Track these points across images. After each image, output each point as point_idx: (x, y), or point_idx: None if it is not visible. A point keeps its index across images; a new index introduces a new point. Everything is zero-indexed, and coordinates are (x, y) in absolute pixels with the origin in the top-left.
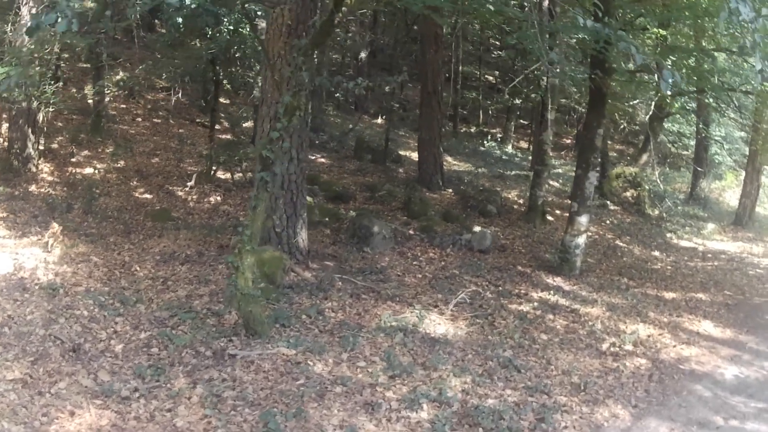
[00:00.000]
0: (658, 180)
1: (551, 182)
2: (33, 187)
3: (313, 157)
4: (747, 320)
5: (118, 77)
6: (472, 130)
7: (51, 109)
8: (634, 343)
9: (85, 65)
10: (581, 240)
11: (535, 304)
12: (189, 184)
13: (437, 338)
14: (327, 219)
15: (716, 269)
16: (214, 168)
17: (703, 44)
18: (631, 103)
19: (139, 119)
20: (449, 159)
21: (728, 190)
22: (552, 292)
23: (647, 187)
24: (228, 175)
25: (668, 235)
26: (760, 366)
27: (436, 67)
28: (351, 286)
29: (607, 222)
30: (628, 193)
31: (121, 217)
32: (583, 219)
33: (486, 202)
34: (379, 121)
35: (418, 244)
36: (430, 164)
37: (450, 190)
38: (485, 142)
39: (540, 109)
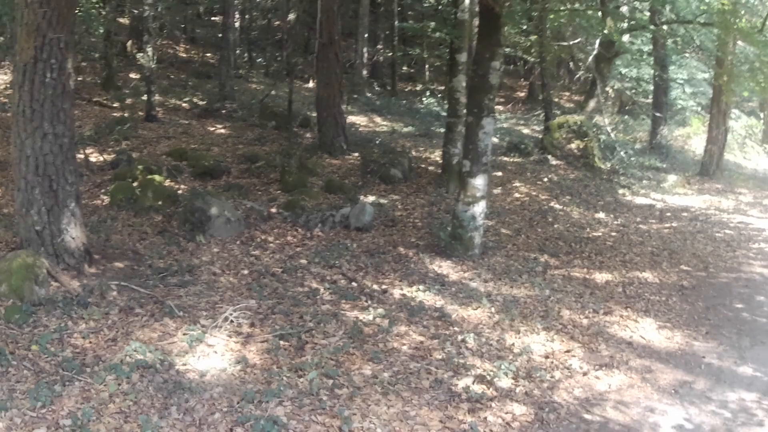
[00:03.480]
0: (608, 128)
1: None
2: None
3: (212, 129)
4: (707, 314)
5: None
6: (418, 89)
7: None
8: (515, 374)
9: None
10: (479, 209)
11: (390, 307)
12: None
13: (189, 381)
14: (160, 203)
15: (674, 233)
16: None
17: None
18: (572, 42)
19: None
20: (377, 119)
21: (694, 137)
22: (426, 284)
23: (599, 137)
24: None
25: (620, 191)
26: (722, 403)
27: (332, 15)
28: (129, 295)
29: (545, 180)
30: (573, 145)
31: None
32: (479, 181)
33: (390, 166)
34: (311, 85)
35: (278, 225)
36: (331, 126)
37: (356, 154)
38: (423, 99)
39: (450, 51)
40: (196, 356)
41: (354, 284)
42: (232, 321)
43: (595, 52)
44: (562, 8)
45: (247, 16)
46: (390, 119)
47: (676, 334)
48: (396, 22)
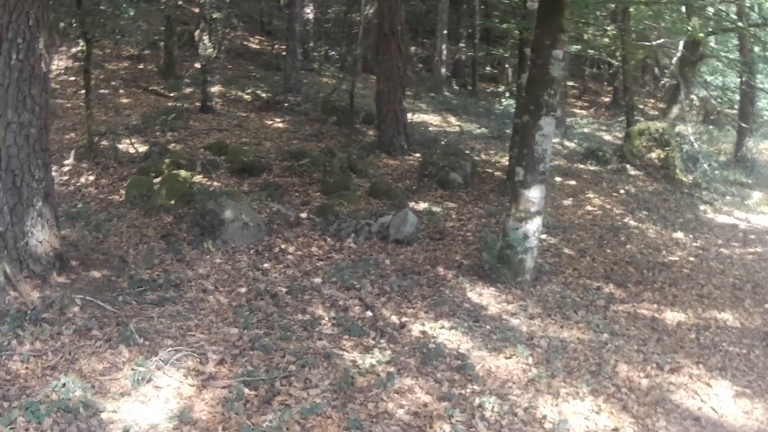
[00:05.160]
0: (691, 137)
1: (566, 142)
2: None
3: (270, 122)
4: None
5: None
6: (500, 90)
7: None
8: None
9: None
10: (532, 227)
11: (401, 349)
12: (66, 162)
13: None
14: (173, 202)
15: (759, 260)
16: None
17: None
18: (655, 42)
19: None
20: (451, 119)
21: None
22: (455, 319)
23: (681, 147)
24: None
25: (702, 207)
26: None
27: (395, 4)
28: (92, 313)
29: (621, 191)
30: (653, 154)
31: None
32: (534, 193)
33: (450, 169)
34: None
35: (305, 233)
36: (391, 123)
37: (417, 155)
38: (502, 100)
39: (519, 45)
40: (133, 400)
41: (368, 314)
42: (197, 355)
43: (678, 54)
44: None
45: (320, 8)
46: (465, 119)
47: (757, 406)
48: (477, 20)
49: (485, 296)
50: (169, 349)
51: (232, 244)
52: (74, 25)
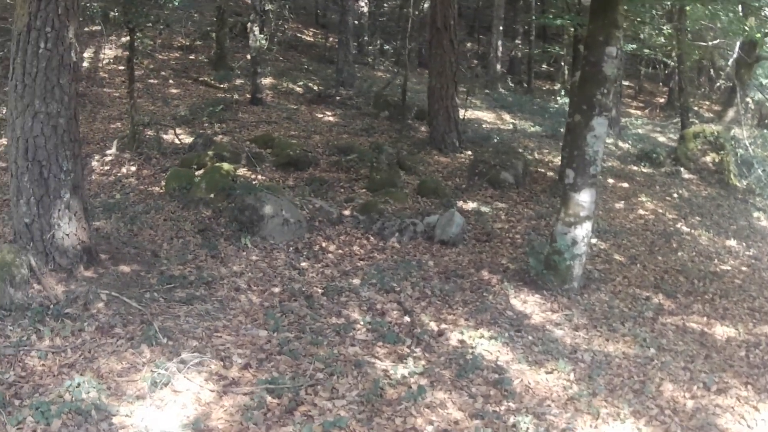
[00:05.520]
0: (746, 141)
1: (620, 143)
2: None
3: (320, 115)
4: None
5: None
6: (556, 88)
7: None
8: None
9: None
10: (582, 232)
11: (436, 359)
12: (109, 152)
13: None
14: (212, 195)
15: None
16: (147, 131)
17: None
18: (712, 43)
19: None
20: (506, 117)
21: None
22: (497, 328)
23: (736, 151)
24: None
25: (755, 214)
26: None
27: None
28: (116, 309)
29: (674, 195)
30: (708, 158)
31: None
32: (585, 197)
33: (501, 168)
34: None
35: (347, 231)
36: (442, 119)
37: (469, 153)
38: (558, 98)
39: (573, 41)
40: (148, 405)
41: (406, 319)
42: (221, 359)
43: (735, 56)
44: None
45: (375, 1)
46: (519, 117)
47: None
48: (533, 17)
49: (529, 304)
50: (193, 350)
51: (271, 241)
52: (117, 14)
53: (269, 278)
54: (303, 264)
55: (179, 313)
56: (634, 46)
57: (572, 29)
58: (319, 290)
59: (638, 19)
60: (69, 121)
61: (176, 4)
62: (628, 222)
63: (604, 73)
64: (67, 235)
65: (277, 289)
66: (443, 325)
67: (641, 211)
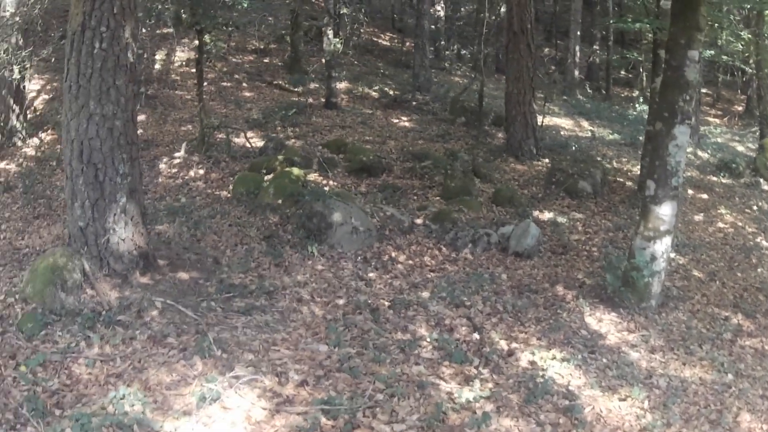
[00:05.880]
0: None
1: (699, 152)
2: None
3: (396, 120)
4: None
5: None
6: (635, 94)
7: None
8: None
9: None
10: (661, 247)
11: (504, 382)
12: (177, 154)
13: None
14: (280, 201)
15: None
16: (217, 134)
17: None
18: None
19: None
20: (584, 123)
21: None
22: (570, 349)
23: None
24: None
25: None
26: None
27: (524, 0)
28: (171, 318)
29: (754, 208)
30: None
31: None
32: (666, 210)
33: (579, 177)
34: None
35: (419, 240)
36: (520, 126)
37: (546, 160)
38: (636, 105)
39: (653, 46)
40: (195, 421)
41: (475, 336)
42: (277, 374)
43: None
44: None
45: (451, 6)
46: (597, 124)
47: None
48: (611, 21)
49: (605, 323)
50: (248, 364)
51: (339, 250)
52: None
53: (334, 289)
54: (370, 275)
55: (236, 324)
56: (712, 52)
57: (651, 34)
58: (386, 303)
59: (716, 24)
60: (126, 123)
61: (245, 6)
62: (707, 235)
63: (687, 78)
64: (123, 240)
65: (341, 301)
66: (514, 344)
67: (720, 224)
